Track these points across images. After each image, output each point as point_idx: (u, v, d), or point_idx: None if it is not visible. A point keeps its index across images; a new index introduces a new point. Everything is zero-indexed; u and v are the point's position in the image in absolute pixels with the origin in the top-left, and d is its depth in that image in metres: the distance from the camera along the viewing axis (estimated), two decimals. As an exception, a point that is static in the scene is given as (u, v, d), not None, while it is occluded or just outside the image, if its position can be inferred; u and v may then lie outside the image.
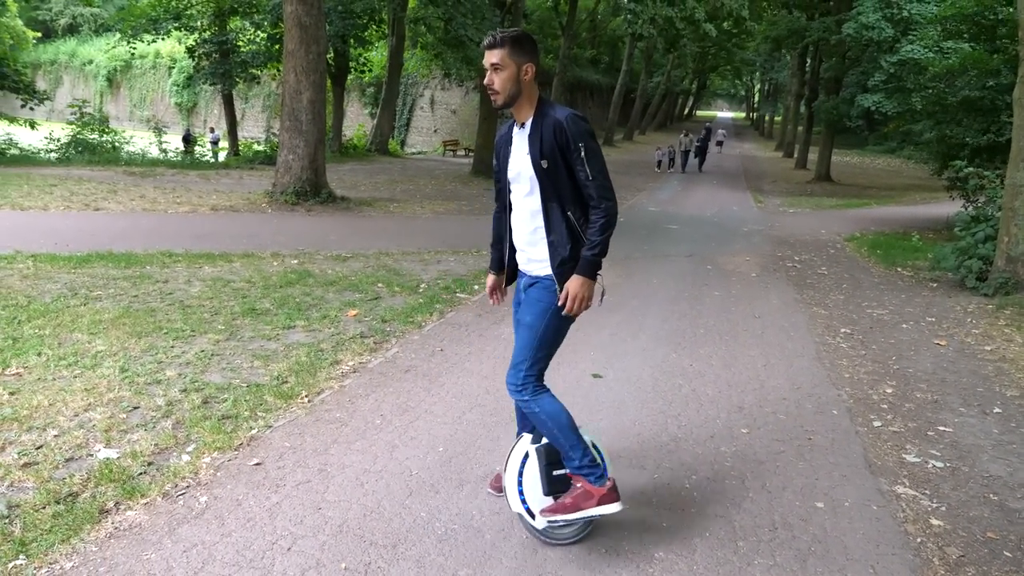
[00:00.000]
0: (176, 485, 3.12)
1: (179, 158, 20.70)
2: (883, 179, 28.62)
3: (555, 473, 2.81)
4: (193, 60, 24.52)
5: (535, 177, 2.69)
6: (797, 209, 17.99)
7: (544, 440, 2.85)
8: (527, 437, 2.92)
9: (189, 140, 26.80)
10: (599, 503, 2.70)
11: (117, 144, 19.76)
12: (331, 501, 3.05)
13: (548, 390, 2.78)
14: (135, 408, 3.84)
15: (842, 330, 6.36)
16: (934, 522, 3.16)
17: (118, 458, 3.29)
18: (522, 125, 2.75)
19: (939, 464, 3.74)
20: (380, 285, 6.98)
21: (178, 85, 47.14)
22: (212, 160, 22.54)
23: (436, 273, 7.76)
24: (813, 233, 13.27)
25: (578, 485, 2.74)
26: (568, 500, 2.73)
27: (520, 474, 2.86)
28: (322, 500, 3.05)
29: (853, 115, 23.41)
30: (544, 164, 2.66)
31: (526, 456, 2.88)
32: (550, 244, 2.72)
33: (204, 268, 7.24)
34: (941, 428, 4.23)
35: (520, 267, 2.91)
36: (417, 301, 6.45)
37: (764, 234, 12.82)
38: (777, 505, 3.22)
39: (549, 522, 2.78)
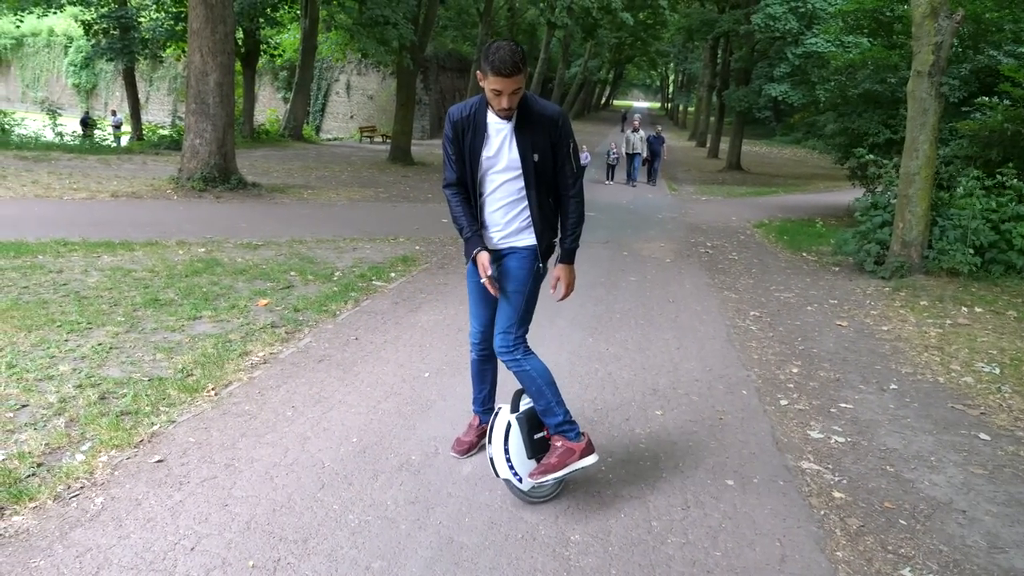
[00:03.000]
0: (69, 487, 2.93)
1: (77, 142, 19.56)
2: (790, 168, 29.76)
3: (536, 437, 3.04)
4: (90, 38, 23.14)
5: (526, 168, 2.90)
6: (709, 197, 18.50)
7: (521, 409, 3.05)
8: (505, 408, 3.06)
9: (88, 123, 25.36)
10: (580, 457, 2.94)
11: (7, 127, 18.53)
12: (238, 497, 2.93)
13: (533, 351, 3.02)
14: (23, 406, 3.60)
15: (751, 313, 6.57)
16: (836, 495, 3.29)
17: (3, 460, 3.07)
18: (509, 117, 2.88)
19: (841, 439, 3.90)
20: (293, 273, 6.77)
21: (75, 65, 44.45)
22: (113, 145, 21.42)
23: (352, 261, 7.60)
24: (724, 220, 13.67)
25: (558, 444, 2.96)
26: (553, 460, 2.93)
27: (506, 443, 2.97)
28: (229, 496, 2.93)
29: (761, 105, 24.23)
30: (536, 157, 2.90)
31: (508, 426, 2.99)
32: (533, 223, 2.98)
33: (103, 257, 6.86)
34: (843, 405, 4.41)
35: (492, 246, 3.05)
36: (331, 289, 6.29)
37: (678, 221, 13.12)
38: (690, 484, 3.29)
39: (536, 484, 2.96)
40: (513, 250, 3.04)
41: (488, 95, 2.82)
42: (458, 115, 2.96)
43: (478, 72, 2.82)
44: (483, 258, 2.96)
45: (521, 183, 2.95)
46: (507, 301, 3.01)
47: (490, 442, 3.01)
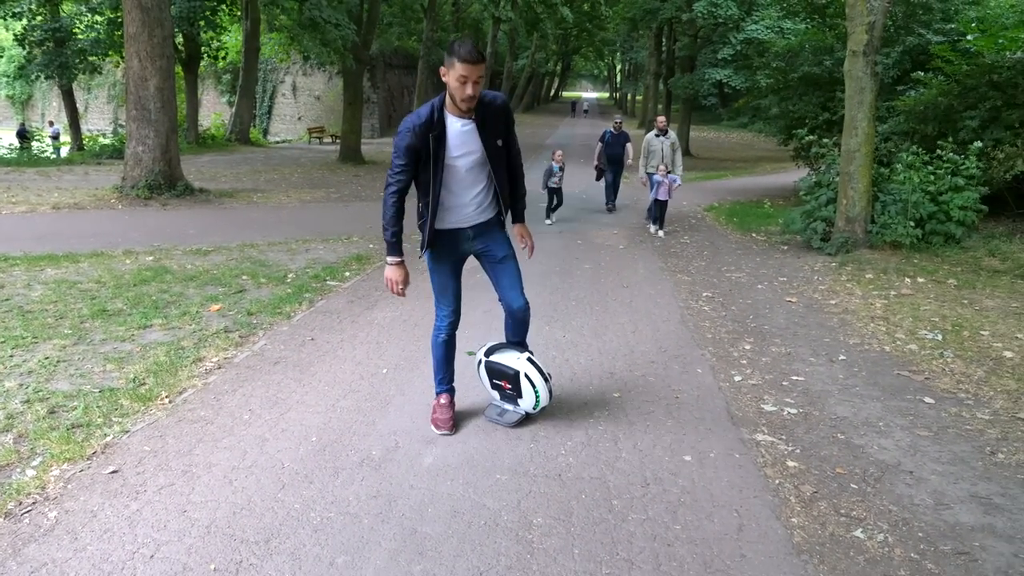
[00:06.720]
0: (20, 503, 2.86)
1: (14, 155, 18.95)
2: (737, 152, 30.26)
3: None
4: (23, 49, 22.34)
5: (492, 154, 3.31)
6: (661, 183, 18.68)
7: (526, 353, 3.69)
8: (522, 358, 3.64)
9: (25, 135, 24.60)
10: None
11: (-63, 142, 17.83)
12: (197, 503, 2.89)
13: None
14: (-32, 425, 3.49)
15: (704, 294, 6.69)
16: (790, 464, 3.38)
17: (-51, 481, 2.99)
18: (470, 117, 3.23)
19: (793, 411, 4.01)
20: (245, 277, 6.68)
21: (8, 76, 42.87)
22: (53, 156, 20.77)
23: (305, 262, 7.52)
24: (675, 205, 13.81)
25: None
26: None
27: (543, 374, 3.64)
28: (187, 502, 2.89)
29: (706, 91, 24.59)
30: (499, 143, 3.34)
31: (534, 364, 3.62)
32: (496, 196, 3.44)
33: (46, 270, 6.67)
34: (794, 378, 4.53)
35: (462, 224, 3.41)
36: (285, 291, 6.22)
37: (630, 208, 13.26)
38: (648, 462, 3.35)
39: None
40: (489, 222, 3.46)
41: (453, 86, 3.11)
42: (417, 121, 3.19)
43: (442, 68, 3.14)
44: (402, 273, 3.41)
45: (488, 168, 3.34)
46: (508, 266, 3.50)
47: (546, 379, 3.62)
